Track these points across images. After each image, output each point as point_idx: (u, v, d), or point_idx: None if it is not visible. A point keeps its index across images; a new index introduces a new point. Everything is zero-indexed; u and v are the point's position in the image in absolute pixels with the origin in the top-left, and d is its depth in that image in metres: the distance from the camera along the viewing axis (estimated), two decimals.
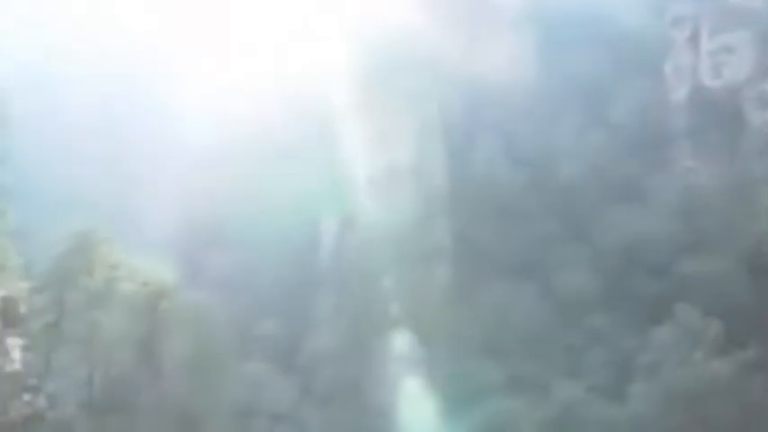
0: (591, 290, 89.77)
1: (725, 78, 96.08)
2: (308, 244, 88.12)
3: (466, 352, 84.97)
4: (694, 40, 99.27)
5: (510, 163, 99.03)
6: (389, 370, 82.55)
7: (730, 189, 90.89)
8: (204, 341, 64.16)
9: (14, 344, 54.35)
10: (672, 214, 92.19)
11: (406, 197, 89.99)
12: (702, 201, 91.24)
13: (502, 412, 78.98)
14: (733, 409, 71.35)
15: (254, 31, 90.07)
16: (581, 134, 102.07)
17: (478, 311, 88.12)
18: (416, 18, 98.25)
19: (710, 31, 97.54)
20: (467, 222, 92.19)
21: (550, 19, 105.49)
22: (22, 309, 54.41)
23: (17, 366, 53.79)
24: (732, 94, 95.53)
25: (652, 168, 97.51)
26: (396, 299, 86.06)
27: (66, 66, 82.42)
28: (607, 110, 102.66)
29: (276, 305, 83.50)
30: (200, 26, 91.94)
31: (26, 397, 54.17)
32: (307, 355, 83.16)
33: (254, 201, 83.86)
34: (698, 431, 72.11)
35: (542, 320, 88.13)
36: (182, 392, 61.83)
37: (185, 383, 62.41)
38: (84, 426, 56.42)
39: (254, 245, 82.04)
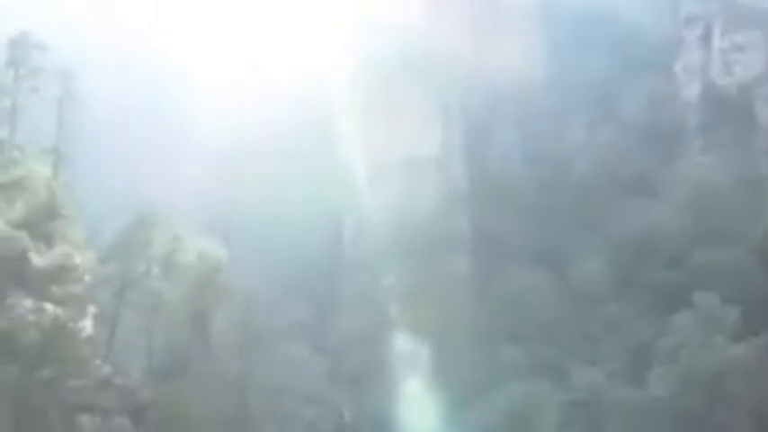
0: (607, 280, 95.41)
1: (736, 76, 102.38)
2: (334, 232, 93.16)
3: (488, 338, 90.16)
4: (706, 39, 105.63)
5: (525, 158, 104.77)
6: (414, 353, 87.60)
7: (740, 183, 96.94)
8: (249, 317, 69.34)
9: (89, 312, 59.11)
10: (684, 208, 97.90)
11: (428, 190, 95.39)
12: (713, 195, 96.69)
13: (526, 395, 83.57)
14: (752, 390, 77.03)
15: (277, 26, 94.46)
16: (594, 130, 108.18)
17: (498, 299, 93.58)
18: (432, 18, 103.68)
19: (722, 30, 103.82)
20: (485, 215, 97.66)
21: (564, 18, 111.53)
22: (89, 278, 59.20)
23: (90, 333, 58.53)
24: (743, 91, 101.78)
25: (664, 163, 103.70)
26: (418, 286, 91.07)
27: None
28: (619, 107, 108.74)
29: (305, 290, 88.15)
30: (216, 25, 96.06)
31: (96, 363, 58.92)
32: (334, 338, 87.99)
33: (280, 192, 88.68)
34: (717, 412, 77.66)
35: (560, 308, 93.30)
36: (228, 363, 66.95)
37: (232, 354, 67.57)
38: (146, 392, 61.24)
39: (280, 233, 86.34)
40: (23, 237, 53.86)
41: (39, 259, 55.22)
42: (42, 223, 56.06)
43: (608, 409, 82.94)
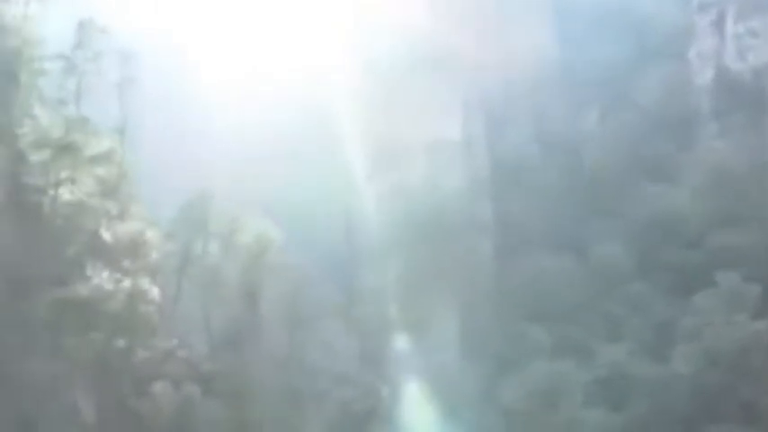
0: (626, 262, 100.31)
1: (750, 61, 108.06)
2: (358, 217, 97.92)
3: (512, 318, 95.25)
4: (719, 25, 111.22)
5: (541, 145, 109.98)
6: (442, 334, 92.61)
7: (756, 167, 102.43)
8: (297, 296, 74.26)
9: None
10: (700, 191, 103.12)
11: (451, 176, 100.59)
12: (730, 178, 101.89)
13: (551, 373, 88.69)
14: None
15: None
16: (608, 117, 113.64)
17: (520, 282, 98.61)
18: (449, 7, 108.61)
19: (735, 15, 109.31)
20: (504, 200, 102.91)
21: (576, 7, 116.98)
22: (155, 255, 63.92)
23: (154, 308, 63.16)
24: (757, 76, 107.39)
25: (679, 149, 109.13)
26: (442, 267, 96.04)
27: None
28: (633, 94, 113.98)
29: (331, 274, 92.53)
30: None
31: (163, 335, 63.63)
32: (362, 321, 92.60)
33: (306, 172, 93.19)
34: (741, 387, 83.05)
35: (581, 290, 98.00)
36: (277, 340, 71.88)
37: (280, 332, 72.47)
38: (208, 364, 66.06)
39: (307, 217, 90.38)
40: (100, 209, 58.47)
41: (112, 233, 59.80)
42: (114, 199, 60.53)
43: (632, 385, 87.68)
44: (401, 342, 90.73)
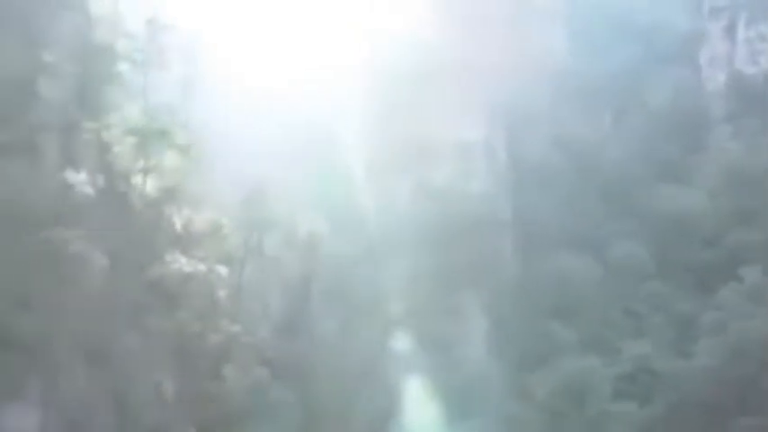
0: (645, 260, 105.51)
1: (761, 65, 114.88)
2: (386, 211, 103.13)
3: (535, 315, 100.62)
4: (731, 30, 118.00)
5: (557, 146, 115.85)
6: (469, 327, 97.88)
7: None
8: (344, 286, 79.60)
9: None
10: (716, 192, 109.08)
11: (474, 175, 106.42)
12: (744, 179, 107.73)
13: (578, 368, 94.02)
14: None
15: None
16: (622, 120, 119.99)
17: (542, 279, 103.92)
18: (468, 13, 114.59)
19: (747, 20, 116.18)
20: (523, 199, 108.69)
21: (591, 13, 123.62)
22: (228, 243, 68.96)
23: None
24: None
25: (692, 151, 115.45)
26: (467, 265, 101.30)
27: None
28: (646, 97, 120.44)
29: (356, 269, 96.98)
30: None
31: (225, 322, 68.59)
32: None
33: (336, 172, 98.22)
34: (765, 379, 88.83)
35: (602, 288, 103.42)
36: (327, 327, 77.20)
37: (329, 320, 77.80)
38: (270, 349, 71.10)
39: (339, 214, 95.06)
40: (182, 197, 63.58)
41: (191, 220, 64.89)
42: (186, 189, 65.58)
43: (658, 379, 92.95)
44: (431, 332, 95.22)
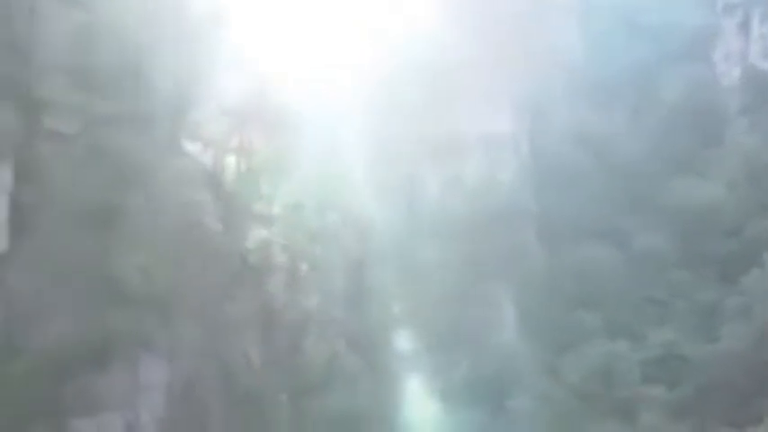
0: (667, 251, 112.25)
1: None
2: (415, 202, 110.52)
3: (563, 302, 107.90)
4: (745, 26, 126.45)
5: (575, 140, 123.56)
6: (498, 314, 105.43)
7: None
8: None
9: None
10: (734, 184, 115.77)
11: (499, 167, 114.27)
12: (763, 171, 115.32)
13: (607, 353, 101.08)
14: None
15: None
16: (637, 115, 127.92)
17: (566, 269, 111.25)
18: (486, 11, 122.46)
19: (761, 16, 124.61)
20: (548, 191, 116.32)
21: (606, 11, 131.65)
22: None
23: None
24: None
25: (708, 145, 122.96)
26: (493, 253, 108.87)
27: None
28: (661, 93, 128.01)
29: (389, 255, 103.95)
30: None
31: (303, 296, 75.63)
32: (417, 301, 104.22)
33: (366, 163, 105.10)
34: None
35: (625, 277, 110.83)
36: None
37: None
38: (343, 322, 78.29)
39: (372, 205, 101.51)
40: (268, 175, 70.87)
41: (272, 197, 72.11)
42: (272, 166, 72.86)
43: (686, 363, 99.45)
44: (459, 322, 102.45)
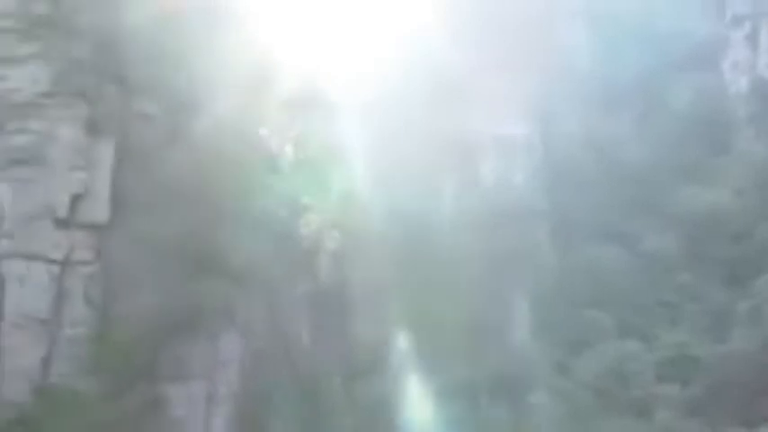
0: (676, 254, 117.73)
1: None
2: (432, 200, 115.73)
3: (574, 303, 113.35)
4: (753, 37, 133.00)
5: (584, 145, 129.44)
6: (512, 312, 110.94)
7: None
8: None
9: None
10: (742, 190, 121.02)
11: (514, 168, 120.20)
12: (767, 180, 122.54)
13: (621, 352, 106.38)
14: None
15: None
16: (645, 122, 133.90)
17: (577, 269, 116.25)
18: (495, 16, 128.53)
19: None
20: (559, 193, 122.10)
21: (614, 21, 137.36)
22: None
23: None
24: None
25: (716, 153, 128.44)
26: (507, 254, 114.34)
27: None
28: (668, 101, 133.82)
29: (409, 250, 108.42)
30: None
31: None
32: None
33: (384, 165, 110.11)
34: None
35: (636, 279, 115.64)
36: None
37: None
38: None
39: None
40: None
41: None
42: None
43: (698, 363, 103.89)
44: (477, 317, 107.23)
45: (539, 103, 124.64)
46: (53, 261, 56.71)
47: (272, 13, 74.86)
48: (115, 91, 60.23)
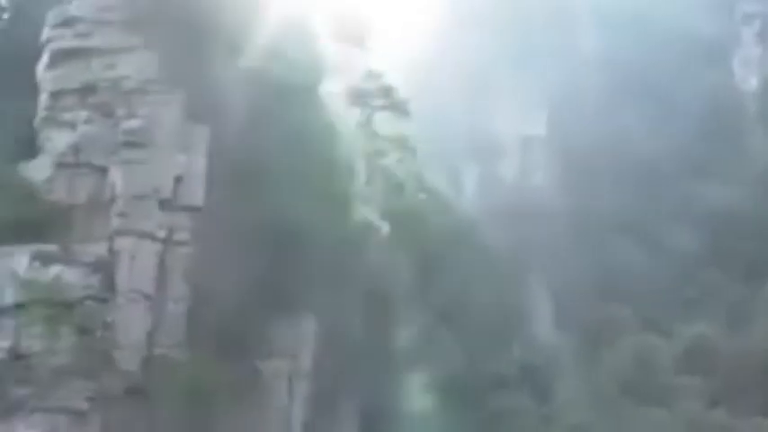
0: (694, 250, 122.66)
1: None
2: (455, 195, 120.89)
3: (596, 297, 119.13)
4: (763, 35, 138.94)
5: (595, 144, 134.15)
6: (535, 306, 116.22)
7: None
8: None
9: None
10: (756, 188, 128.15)
11: (535, 165, 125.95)
12: None
13: (642, 346, 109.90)
14: None
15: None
16: (655, 120, 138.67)
17: (597, 264, 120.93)
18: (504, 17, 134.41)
19: None
20: (580, 190, 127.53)
21: (625, 19, 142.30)
22: None
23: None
24: None
25: (728, 151, 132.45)
26: (528, 247, 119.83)
27: None
28: (679, 99, 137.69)
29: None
30: None
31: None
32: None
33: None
34: None
35: (655, 274, 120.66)
36: None
37: None
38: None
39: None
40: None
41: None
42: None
43: (719, 356, 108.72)
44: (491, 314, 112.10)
45: (560, 104, 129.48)
46: (158, 239, 61.12)
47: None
48: (210, 78, 64.76)
